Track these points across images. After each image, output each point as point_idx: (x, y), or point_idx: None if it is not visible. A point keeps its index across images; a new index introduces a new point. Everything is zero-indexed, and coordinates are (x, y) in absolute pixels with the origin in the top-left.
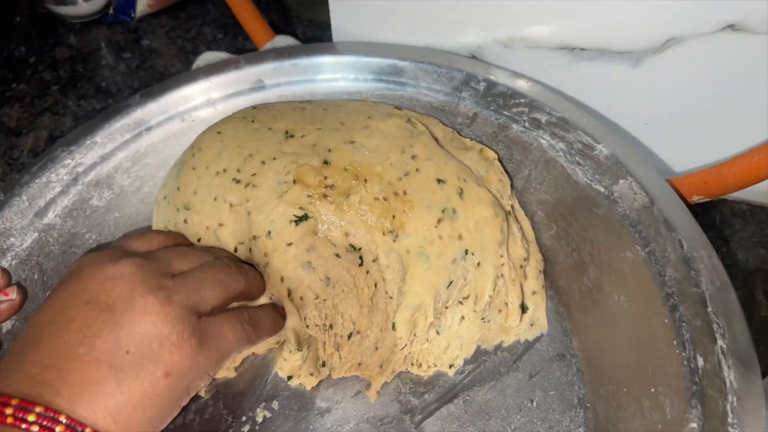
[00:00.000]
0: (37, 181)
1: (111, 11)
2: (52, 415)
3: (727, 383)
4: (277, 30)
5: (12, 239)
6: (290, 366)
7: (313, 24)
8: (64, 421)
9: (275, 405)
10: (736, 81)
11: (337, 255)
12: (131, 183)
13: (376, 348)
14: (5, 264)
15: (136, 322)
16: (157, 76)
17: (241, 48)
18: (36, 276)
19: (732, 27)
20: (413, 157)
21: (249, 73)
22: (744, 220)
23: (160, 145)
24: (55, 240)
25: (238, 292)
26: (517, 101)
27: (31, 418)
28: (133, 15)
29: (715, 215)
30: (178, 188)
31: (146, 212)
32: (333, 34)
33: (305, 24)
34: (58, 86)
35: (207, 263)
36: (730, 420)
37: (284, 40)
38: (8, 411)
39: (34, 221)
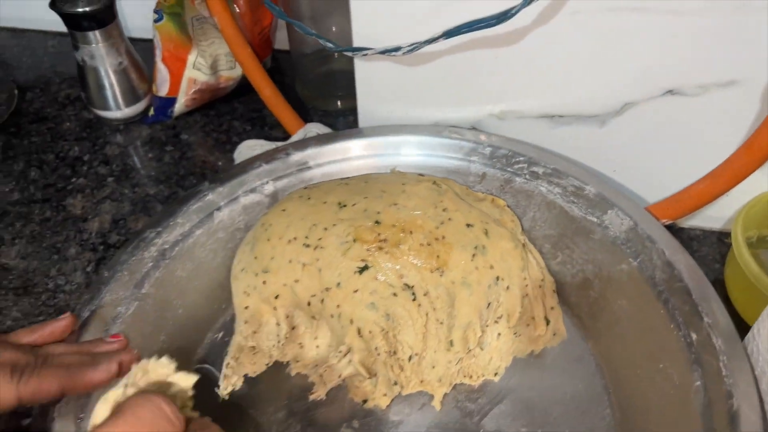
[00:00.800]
0: (133, 258)
1: (151, 113)
2: None
3: (717, 348)
4: None
5: (120, 308)
6: (363, 391)
7: (326, 113)
8: None
9: (356, 423)
10: (678, 132)
11: (395, 294)
12: (206, 255)
13: (433, 366)
14: (116, 329)
15: None
16: (200, 164)
17: (267, 136)
18: (139, 340)
19: (671, 92)
20: (444, 209)
21: (297, 157)
22: (699, 243)
23: (228, 221)
24: (151, 307)
25: None
26: (517, 159)
27: None
28: (170, 115)
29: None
30: (255, 258)
31: (220, 279)
32: (359, 114)
33: (320, 113)
34: (113, 178)
35: None
36: (724, 373)
37: (315, 128)
38: None
39: (135, 292)
